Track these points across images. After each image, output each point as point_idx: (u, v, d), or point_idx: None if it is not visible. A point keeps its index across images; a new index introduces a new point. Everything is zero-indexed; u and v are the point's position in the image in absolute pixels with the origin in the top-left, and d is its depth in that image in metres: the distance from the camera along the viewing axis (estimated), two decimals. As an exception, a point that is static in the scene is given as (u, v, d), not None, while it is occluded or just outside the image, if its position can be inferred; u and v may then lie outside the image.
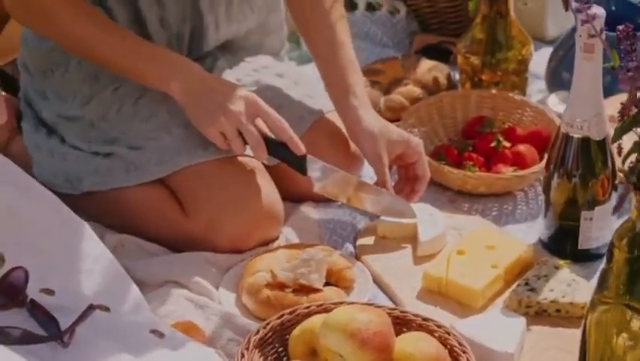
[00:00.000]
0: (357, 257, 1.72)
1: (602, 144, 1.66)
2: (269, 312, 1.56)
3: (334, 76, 1.81)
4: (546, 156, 1.89)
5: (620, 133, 1.27)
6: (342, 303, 1.49)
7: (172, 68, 1.70)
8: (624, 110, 1.26)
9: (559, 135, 1.69)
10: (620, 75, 1.25)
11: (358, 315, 1.36)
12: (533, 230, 1.79)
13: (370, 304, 1.48)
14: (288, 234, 1.76)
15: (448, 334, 1.44)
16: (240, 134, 1.67)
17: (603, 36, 1.42)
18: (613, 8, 2.08)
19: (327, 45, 1.83)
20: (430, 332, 1.44)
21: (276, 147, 1.69)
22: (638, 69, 1.20)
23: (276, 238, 1.75)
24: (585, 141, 1.66)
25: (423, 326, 1.46)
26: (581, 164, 1.67)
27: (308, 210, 1.81)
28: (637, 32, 1.26)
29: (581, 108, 1.65)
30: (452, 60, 2.26)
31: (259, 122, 1.69)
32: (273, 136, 1.69)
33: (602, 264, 1.63)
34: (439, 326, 1.46)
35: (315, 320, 1.43)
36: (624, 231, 1.31)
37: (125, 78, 1.76)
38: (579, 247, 1.71)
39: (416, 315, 1.48)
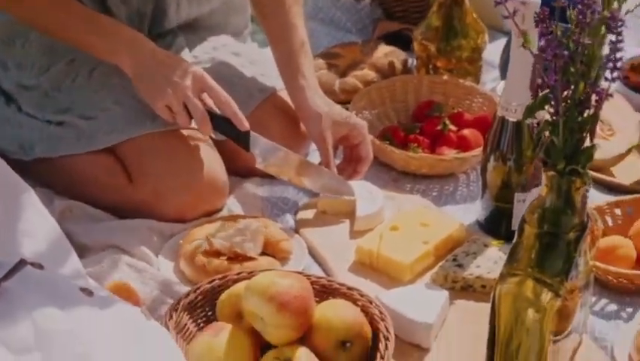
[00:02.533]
0: (296, 230, 1.78)
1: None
2: (204, 278, 1.60)
3: (285, 57, 1.87)
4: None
5: (530, 111, 1.32)
6: (271, 270, 1.54)
7: (122, 41, 1.76)
8: (535, 89, 1.31)
9: (495, 119, 1.74)
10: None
11: (279, 280, 1.41)
12: (471, 211, 1.84)
13: (299, 273, 1.54)
14: (231, 206, 1.81)
15: (370, 303, 1.50)
16: (186, 107, 1.72)
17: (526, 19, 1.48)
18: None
19: (280, 27, 1.88)
20: (354, 301, 1.50)
21: (221, 122, 1.74)
22: (544, 50, 1.25)
23: (220, 210, 1.80)
24: (519, 125, 1.70)
25: (347, 294, 1.51)
26: (515, 147, 1.72)
27: (253, 185, 1.86)
28: (553, 16, 1.31)
29: (516, 92, 1.69)
30: (412, 47, 2.31)
31: (205, 97, 1.74)
32: (218, 111, 1.75)
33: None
34: (362, 295, 1.51)
35: (242, 285, 1.48)
36: (535, 207, 1.36)
37: (82, 52, 1.81)
38: (513, 228, 1.75)
39: (341, 284, 1.53)
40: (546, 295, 1.34)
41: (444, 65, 2.14)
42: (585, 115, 1.29)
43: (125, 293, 1.54)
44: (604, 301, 1.63)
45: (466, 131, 1.96)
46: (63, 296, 1.40)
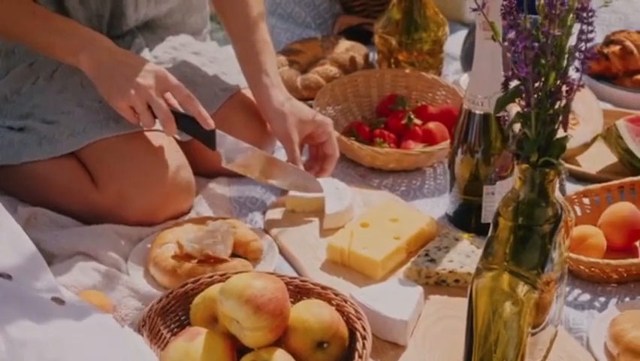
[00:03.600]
0: (266, 230, 1.76)
1: (503, 120, 1.71)
2: (175, 282, 1.59)
3: (248, 55, 1.85)
4: (454, 133, 1.95)
5: (502, 104, 1.31)
6: (245, 272, 1.52)
7: (81, 41, 1.73)
8: (505, 83, 1.31)
9: (462, 112, 1.73)
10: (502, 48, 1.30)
11: (253, 282, 1.40)
12: (440, 205, 1.83)
13: (271, 274, 1.52)
14: (199, 208, 1.79)
15: (345, 302, 1.48)
16: (150, 108, 1.70)
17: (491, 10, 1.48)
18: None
19: (242, 25, 1.86)
20: (328, 300, 1.49)
21: (186, 122, 1.72)
22: (514, 42, 1.24)
23: (187, 212, 1.78)
24: (486, 117, 1.70)
25: (321, 294, 1.50)
26: (483, 139, 1.71)
27: (220, 186, 1.85)
28: (520, 8, 1.30)
29: (482, 85, 1.69)
30: (373, 41, 2.30)
31: (169, 96, 1.72)
32: (183, 111, 1.72)
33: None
34: (337, 295, 1.50)
35: (216, 288, 1.46)
36: (509, 200, 1.35)
37: (42, 55, 1.78)
38: (482, 221, 1.75)
39: (315, 284, 1.52)
40: (523, 289, 1.34)
41: (405, 59, 2.13)
42: (557, 106, 1.29)
43: (97, 301, 1.52)
44: (577, 291, 1.63)
45: (431, 125, 1.95)
46: (34, 306, 1.37)
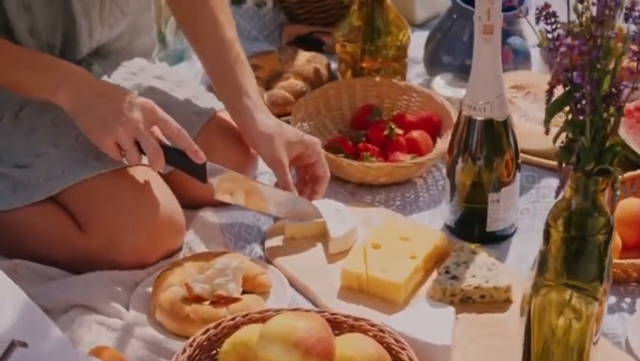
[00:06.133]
0: (268, 261, 1.66)
1: (505, 125, 1.66)
2: (188, 328, 1.48)
3: (225, 77, 1.74)
4: (439, 140, 1.89)
5: (551, 114, 1.25)
6: (267, 311, 1.42)
7: (57, 75, 1.60)
8: (550, 90, 1.25)
9: (460, 119, 1.67)
10: (545, 53, 1.24)
11: (297, 323, 1.30)
12: (437, 216, 1.77)
13: (296, 309, 1.43)
14: (191, 243, 1.68)
15: (383, 332, 1.40)
16: (136, 143, 1.58)
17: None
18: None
19: (216, 45, 1.75)
20: (364, 332, 1.40)
21: (173, 155, 1.60)
22: (560, 47, 1.18)
23: (180, 249, 1.67)
24: (489, 123, 1.65)
25: (355, 326, 1.41)
26: (485, 146, 1.66)
27: (208, 216, 1.73)
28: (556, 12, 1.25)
29: (483, 90, 1.63)
30: (326, 49, 2.23)
31: (155, 129, 1.60)
32: (169, 143, 1.61)
33: (509, 244, 1.64)
34: (373, 325, 1.41)
35: (246, 332, 1.36)
36: (559, 211, 1.29)
37: (4, 92, 1.64)
38: (487, 230, 1.70)
39: (347, 316, 1.43)
40: (584, 302, 1.29)
41: (370, 66, 2.05)
42: (610, 111, 1.24)
43: (110, 358, 1.40)
44: (602, 294, 1.59)
45: (415, 134, 1.88)
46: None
